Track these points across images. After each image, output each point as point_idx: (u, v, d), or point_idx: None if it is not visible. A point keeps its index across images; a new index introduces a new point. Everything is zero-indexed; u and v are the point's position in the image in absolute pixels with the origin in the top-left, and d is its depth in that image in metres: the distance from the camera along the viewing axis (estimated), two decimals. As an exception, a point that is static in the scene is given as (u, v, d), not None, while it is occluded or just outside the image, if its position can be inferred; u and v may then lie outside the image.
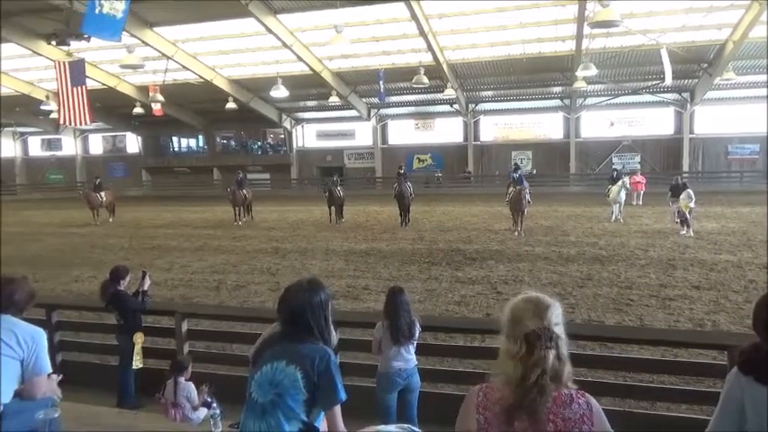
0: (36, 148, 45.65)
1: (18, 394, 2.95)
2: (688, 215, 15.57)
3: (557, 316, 1.90)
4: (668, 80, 23.59)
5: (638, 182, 23.08)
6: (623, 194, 18.18)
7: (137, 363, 5.62)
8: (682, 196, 15.77)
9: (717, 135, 31.55)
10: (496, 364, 1.91)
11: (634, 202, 22.30)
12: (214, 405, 4.73)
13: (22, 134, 44.40)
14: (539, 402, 1.79)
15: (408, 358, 4.58)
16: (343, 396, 2.63)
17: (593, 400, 1.87)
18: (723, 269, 11.29)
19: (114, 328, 6.77)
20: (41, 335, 3.05)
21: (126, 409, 5.00)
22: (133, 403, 5.53)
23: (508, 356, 1.85)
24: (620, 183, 18.19)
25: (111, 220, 22.47)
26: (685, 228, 15.52)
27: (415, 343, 4.65)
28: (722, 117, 31.01)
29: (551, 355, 1.83)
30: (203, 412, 4.72)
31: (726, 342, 4.94)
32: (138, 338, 5.64)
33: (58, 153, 44.51)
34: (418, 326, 4.67)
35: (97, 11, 10.93)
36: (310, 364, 2.58)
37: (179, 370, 4.94)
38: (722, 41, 24.30)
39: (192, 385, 4.94)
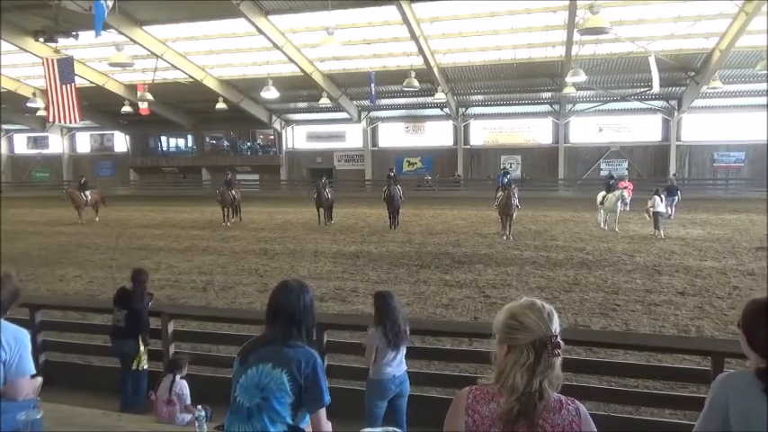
0: (22, 145, 45.10)
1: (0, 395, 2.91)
2: (656, 217, 16.47)
3: (559, 323, 1.89)
4: (656, 87, 23.85)
5: (626, 187, 23.27)
6: (619, 206, 17.70)
7: (144, 364, 5.65)
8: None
9: (703, 142, 31.95)
10: (498, 373, 1.87)
11: (621, 208, 22.46)
12: (200, 407, 4.70)
13: (8, 131, 43.87)
14: (538, 408, 1.80)
15: (401, 363, 4.55)
16: (327, 399, 2.63)
17: (582, 407, 1.87)
18: (708, 275, 11.42)
19: (101, 328, 6.72)
20: (25, 335, 3.01)
21: (138, 412, 4.98)
22: (144, 407, 5.46)
23: (513, 365, 1.82)
24: (617, 193, 17.70)
25: (96, 219, 22.27)
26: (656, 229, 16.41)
27: (407, 344, 4.65)
28: (709, 125, 31.41)
29: (558, 362, 1.84)
30: (190, 416, 4.71)
31: (710, 348, 5.00)
32: (142, 342, 5.69)
33: (45, 151, 44.01)
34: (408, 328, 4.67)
35: (106, 13, 11.15)
36: (296, 366, 2.57)
37: (177, 368, 4.98)
38: (709, 50, 24.61)
39: (184, 383, 4.97)
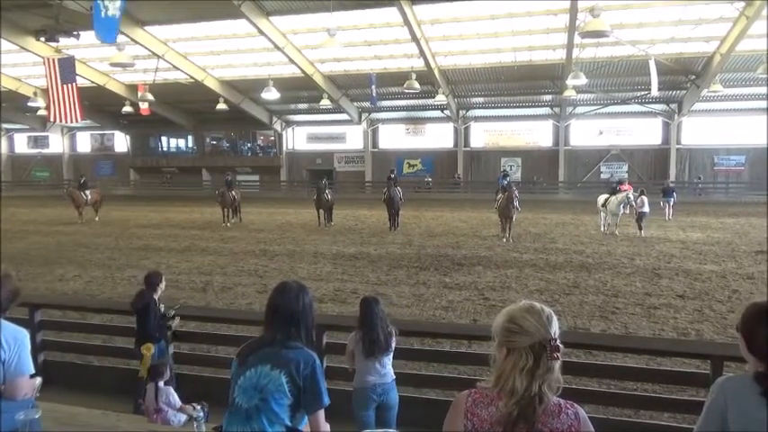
0: (22, 145, 45.14)
1: (-2, 395, 2.90)
2: (640, 216, 17.15)
3: (558, 326, 1.89)
4: (654, 91, 23.88)
5: (626, 190, 23.29)
6: (622, 209, 17.44)
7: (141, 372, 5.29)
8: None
9: (703, 146, 31.97)
10: (497, 376, 1.87)
11: (624, 211, 22.52)
12: (198, 408, 4.69)
13: (8, 131, 43.90)
14: (537, 411, 1.79)
15: (384, 372, 4.36)
16: (326, 401, 2.62)
17: (581, 411, 1.86)
18: (707, 279, 11.41)
19: (100, 328, 6.71)
20: (24, 335, 3.01)
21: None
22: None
23: (512, 368, 1.81)
24: (620, 196, 17.46)
25: (96, 218, 22.28)
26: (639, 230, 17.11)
27: (391, 355, 4.47)
28: (709, 128, 31.45)
29: (557, 366, 1.83)
30: (185, 415, 4.68)
31: (709, 351, 5.00)
32: (146, 350, 5.36)
33: (45, 150, 44.06)
34: (395, 337, 4.48)
35: (102, 14, 11.03)
36: (295, 368, 2.57)
37: (158, 375, 4.86)
38: (710, 54, 24.64)
39: (171, 389, 4.88)
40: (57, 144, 43.73)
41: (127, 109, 32.50)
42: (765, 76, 22.29)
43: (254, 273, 12.45)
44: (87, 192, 22.58)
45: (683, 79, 27.77)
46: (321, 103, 31.38)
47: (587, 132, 33.53)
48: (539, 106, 32.97)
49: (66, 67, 14.78)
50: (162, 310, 5.67)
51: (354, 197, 30.68)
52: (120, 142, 42.43)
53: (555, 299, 9.88)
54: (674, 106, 31.22)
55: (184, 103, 35.43)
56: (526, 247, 15.13)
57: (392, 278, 11.72)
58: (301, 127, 38.39)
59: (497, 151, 35.05)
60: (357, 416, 4.38)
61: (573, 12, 19.90)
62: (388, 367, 4.42)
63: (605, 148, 33.28)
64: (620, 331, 8.22)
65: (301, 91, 31.40)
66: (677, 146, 32.13)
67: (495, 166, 33.58)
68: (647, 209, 17.26)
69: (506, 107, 33.34)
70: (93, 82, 29.98)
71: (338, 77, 30.38)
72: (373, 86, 27.29)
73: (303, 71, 27.72)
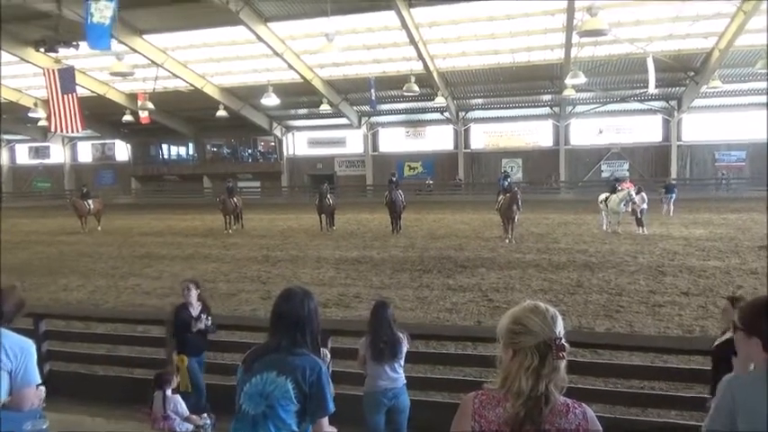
0: (23, 155, 45.30)
1: (5, 406, 2.91)
2: (639, 215, 17.10)
3: (563, 325, 1.89)
4: (652, 88, 23.90)
5: (627, 188, 23.29)
6: (623, 207, 17.32)
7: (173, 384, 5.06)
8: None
9: (704, 142, 31.97)
10: (503, 377, 1.86)
11: (625, 209, 22.52)
12: (204, 415, 4.70)
13: (9, 142, 44.04)
14: (544, 412, 1.79)
15: (395, 377, 4.35)
16: (331, 407, 2.62)
17: (588, 410, 1.86)
18: (711, 275, 11.38)
19: (104, 337, 6.73)
20: (31, 346, 3.02)
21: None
22: None
23: (519, 368, 1.81)
24: (621, 194, 17.37)
25: (99, 228, 22.32)
26: (639, 227, 17.02)
27: (402, 361, 4.44)
28: (709, 124, 31.46)
29: (563, 365, 1.83)
30: (192, 425, 4.67)
31: (715, 348, 4.98)
32: (180, 361, 5.26)
33: (46, 161, 44.20)
34: (406, 343, 4.43)
35: (89, 21, 11.06)
36: (301, 374, 2.56)
37: (165, 383, 4.83)
38: (708, 50, 24.66)
39: (178, 397, 4.85)
40: (58, 154, 43.87)
41: (127, 118, 32.60)
42: (764, 70, 22.31)
43: (258, 279, 12.44)
44: (90, 201, 22.67)
45: (682, 76, 27.78)
46: (321, 107, 31.45)
47: (587, 131, 33.57)
48: (538, 106, 33.00)
49: (67, 78, 14.88)
50: (201, 320, 5.45)
51: (356, 201, 30.68)
52: (121, 151, 42.56)
53: (559, 298, 9.86)
54: (673, 103, 31.23)
55: (184, 111, 35.51)
56: (529, 248, 15.10)
57: (395, 281, 11.71)
58: (301, 132, 38.46)
59: (498, 152, 35.07)
60: (367, 420, 4.37)
61: (570, 11, 19.94)
62: (399, 372, 4.40)
63: (606, 146, 33.30)
64: (625, 330, 8.20)
65: (301, 96, 31.46)
66: (678, 143, 32.14)
67: (496, 168, 33.59)
68: (645, 205, 17.38)
69: (506, 108, 33.37)
70: (93, 91, 30.07)
71: (337, 82, 30.43)
72: (372, 90, 27.35)
73: (302, 76, 27.77)
